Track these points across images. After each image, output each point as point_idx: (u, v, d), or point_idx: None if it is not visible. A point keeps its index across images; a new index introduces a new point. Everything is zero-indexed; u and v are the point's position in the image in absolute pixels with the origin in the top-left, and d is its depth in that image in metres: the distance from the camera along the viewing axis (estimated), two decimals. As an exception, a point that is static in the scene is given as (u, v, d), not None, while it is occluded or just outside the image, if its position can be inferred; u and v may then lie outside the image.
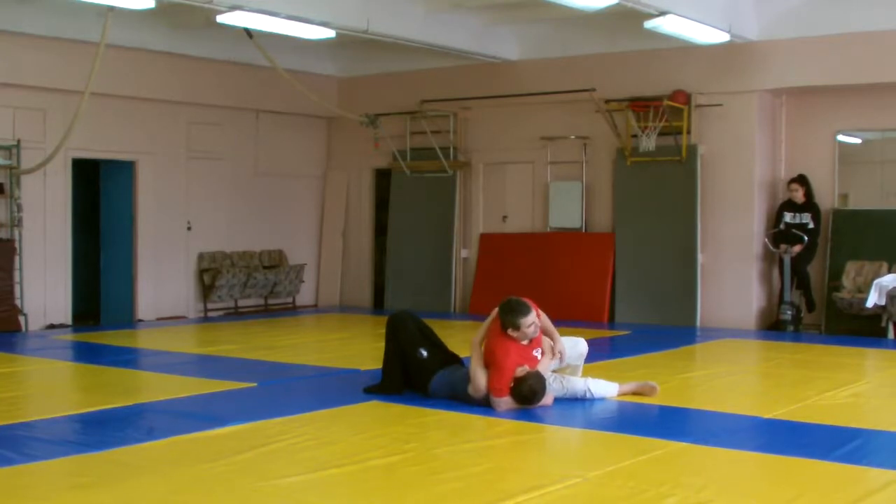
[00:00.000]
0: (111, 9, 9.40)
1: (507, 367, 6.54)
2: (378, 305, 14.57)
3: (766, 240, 11.79)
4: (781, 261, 11.58)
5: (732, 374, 8.54)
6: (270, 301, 14.34)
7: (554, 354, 6.88)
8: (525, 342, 6.67)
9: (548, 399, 6.70)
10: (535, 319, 6.62)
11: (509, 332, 6.62)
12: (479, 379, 6.63)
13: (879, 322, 10.82)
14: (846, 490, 4.71)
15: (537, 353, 6.76)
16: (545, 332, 6.91)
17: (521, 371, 6.54)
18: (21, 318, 11.45)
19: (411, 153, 14.03)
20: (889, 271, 11.19)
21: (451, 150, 13.80)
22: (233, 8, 9.59)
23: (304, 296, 14.84)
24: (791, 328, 11.41)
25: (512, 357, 6.58)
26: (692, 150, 11.99)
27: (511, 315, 6.59)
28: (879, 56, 10.92)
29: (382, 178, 14.72)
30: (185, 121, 13.26)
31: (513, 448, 5.77)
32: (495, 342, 6.68)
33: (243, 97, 13.68)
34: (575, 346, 7.34)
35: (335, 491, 4.75)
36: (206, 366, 8.90)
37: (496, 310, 6.80)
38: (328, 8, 10.34)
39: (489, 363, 6.68)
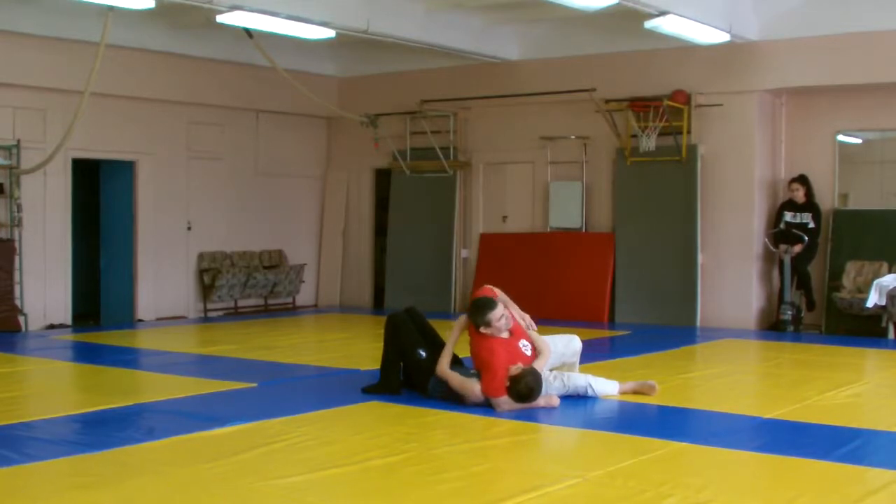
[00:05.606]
0: (111, 9, 9.40)
1: (497, 365, 6.54)
2: (378, 305, 14.57)
3: (767, 240, 11.79)
4: (781, 261, 11.58)
5: (732, 374, 8.54)
6: (270, 301, 14.33)
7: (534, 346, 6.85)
8: (504, 335, 6.69)
9: (553, 401, 6.70)
10: (503, 312, 6.67)
11: (482, 330, 6.66)
12: (474, 387, 6.64)
13: (879, 322, 10.82)
14: (846, 490, 4.71)
15: (524, 348, 6.77)
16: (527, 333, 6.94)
17: (516, 369, 6.54)
18: (21, 318, 11.45)
19: (411, 153, 14.03)
20: (889, 271, 11.19)
21: (451, 150, 13.80)
22: (233, 8, 9.59)
23: (304, 296, 14.84)
24: (791, 328, 11.40)
25: (499, 354, 6.59)
26: (692, 149, 11.99)
27: (479, 314, 6.65)
28: (879, 56, 10.92)
29: (382, 178, 14.72)
30: (185, 121, 13.26)
31: (513, 448, 5.77)
32: (478, 345, 6.70)
33: (243, 97, 13.67)
34: (569, 343, 7.36)
35: (335, 491, 4.75)
36: (206, 366, 8.90)
37: (460, 320, 6.89)
38: (328, 8, 10.34)
39: (479, 367, 6.71)
